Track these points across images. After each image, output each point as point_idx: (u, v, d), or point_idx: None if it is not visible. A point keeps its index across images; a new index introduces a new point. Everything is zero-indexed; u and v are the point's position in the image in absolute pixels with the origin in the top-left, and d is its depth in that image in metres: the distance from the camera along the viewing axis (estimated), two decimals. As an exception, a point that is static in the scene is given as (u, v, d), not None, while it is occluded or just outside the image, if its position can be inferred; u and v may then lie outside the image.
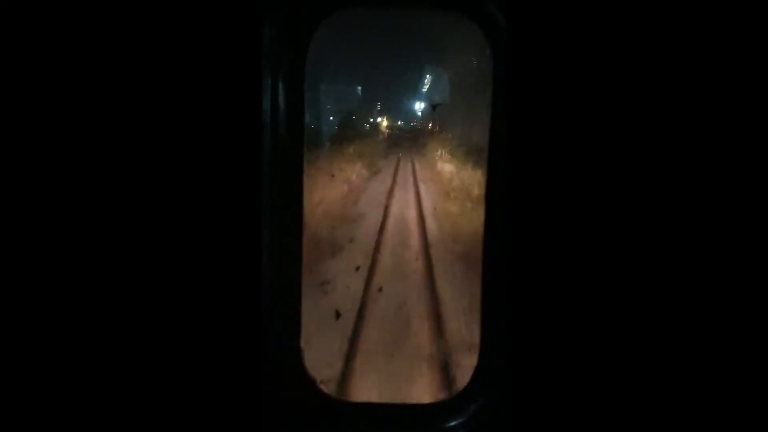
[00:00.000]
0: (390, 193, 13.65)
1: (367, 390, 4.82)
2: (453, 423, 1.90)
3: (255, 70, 1.55)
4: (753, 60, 1.44)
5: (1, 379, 1.51)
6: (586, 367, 1.54)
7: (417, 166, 17.31)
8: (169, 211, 1.53)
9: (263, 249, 1.73)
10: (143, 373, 1.55)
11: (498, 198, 1.82)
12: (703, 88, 1.46)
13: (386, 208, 12.05)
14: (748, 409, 1.50)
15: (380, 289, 6.74)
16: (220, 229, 1.55)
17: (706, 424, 1.51)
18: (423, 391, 4.92)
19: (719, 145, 1.47)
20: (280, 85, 1.85)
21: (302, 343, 1.98)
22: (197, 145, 1.52)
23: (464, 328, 5.90)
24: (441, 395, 4.76)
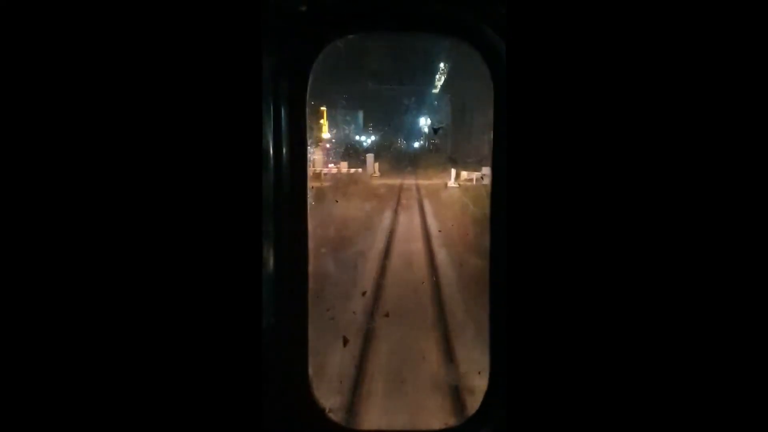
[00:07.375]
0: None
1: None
2: None
3: (255, 100, 1.56)
4: (752, 63, 1.45)
5: (1, 379, 1.52)
6: (589, 383, 1.53)
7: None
8: (175, 236, 1.53)
9: (270, 278, 1.72)
10: (154, 385, 1.54)
11: (503, 221, 1.82)
12: (703, 96, 1.47)
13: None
14: (748, 408, 1.49)
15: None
16: (225, 256, 1.54)
17: (705, 424, 1.50)
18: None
19: (716, 150, 1.47)
20: (283, 113, 1.86)
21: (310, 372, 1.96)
22: (201, 174, 1.53)
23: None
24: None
